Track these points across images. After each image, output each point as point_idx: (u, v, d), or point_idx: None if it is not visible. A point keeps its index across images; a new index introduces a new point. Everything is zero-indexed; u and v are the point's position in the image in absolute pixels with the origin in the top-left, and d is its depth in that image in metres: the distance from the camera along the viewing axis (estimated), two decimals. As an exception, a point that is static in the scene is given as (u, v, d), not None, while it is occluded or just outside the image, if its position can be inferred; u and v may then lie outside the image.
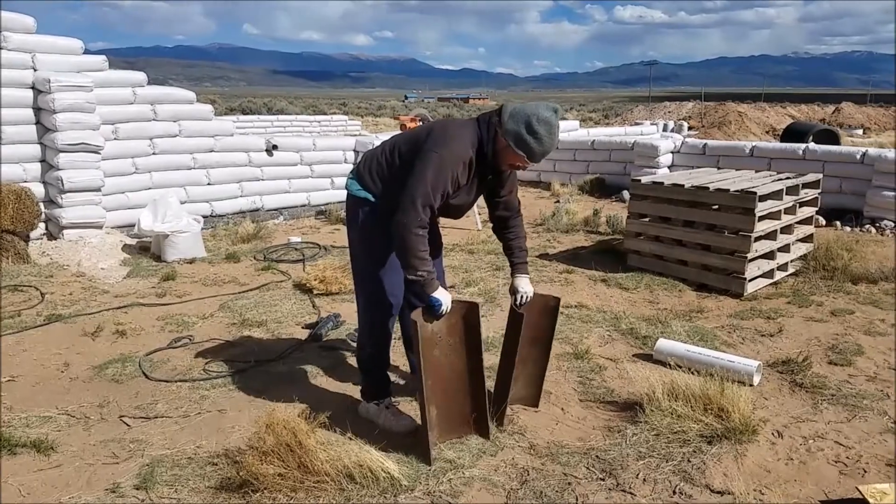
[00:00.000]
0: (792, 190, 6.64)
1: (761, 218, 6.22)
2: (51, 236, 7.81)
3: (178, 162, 9.05)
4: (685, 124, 28.01)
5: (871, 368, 4.56)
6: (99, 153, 7.82)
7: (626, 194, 10.51)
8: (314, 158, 10.61)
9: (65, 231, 7.64)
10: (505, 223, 3.81)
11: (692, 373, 3.92)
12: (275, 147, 10.09)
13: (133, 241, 8.00)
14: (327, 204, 10.44)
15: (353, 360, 4.57)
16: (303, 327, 5.44)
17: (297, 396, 3.99)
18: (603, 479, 3.25)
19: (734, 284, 6.24)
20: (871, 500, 2.92)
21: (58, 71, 7.73)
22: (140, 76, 8.82)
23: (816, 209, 7.22)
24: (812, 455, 3.47)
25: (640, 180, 7.13)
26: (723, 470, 3.29)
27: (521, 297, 3.76)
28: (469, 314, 3.51)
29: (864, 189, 9.46)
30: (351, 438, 3.31)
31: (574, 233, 8.99)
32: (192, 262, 7.45)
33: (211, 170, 9.37)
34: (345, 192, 3.71)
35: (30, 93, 7.71)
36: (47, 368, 4.62)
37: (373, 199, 3.53)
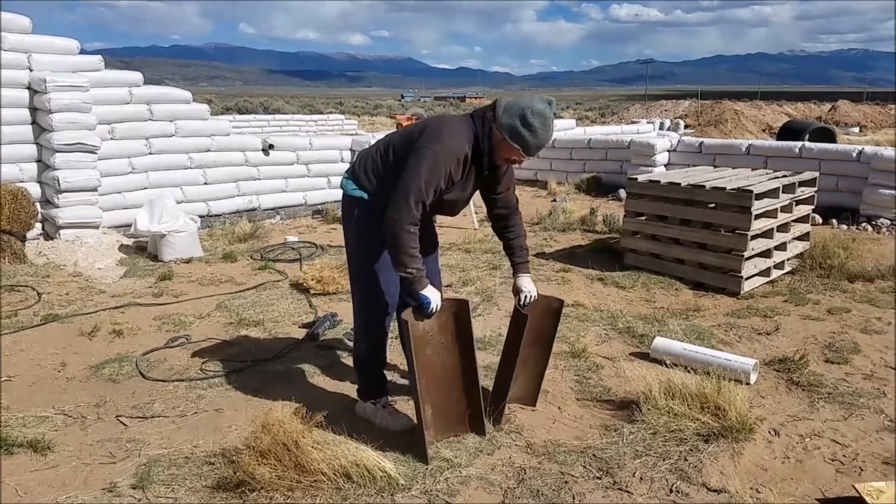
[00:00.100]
0: (788, 188, 6.65)
1: (758, 216, 6.22)
2: (47, 236, 7.80)
3: (175, 162, 9.04)
4: (681, 123, 28.04)
5: (868, 367, 4.57)
6: (95, 153, 7.81)
7: (622, 193, 10.52)
8: (311, 158, 10.62)
9: (61, 231, 7.63)
10: (504, 221, 3.80)
11: (689, 371, 3.93)
12: (271, 146, 10.09)
13: (130, 241, 8.00)
14: (324, 203, 10.45)
15: (349, 360, 4.55)
16: (300, 327, 5.44)
17: (293, 396, 3.99)
18: (600, 478, 3.25)
19: (731, 283, 6.24)
20: (867, 499, 2.93)
21: (54, 71, 7.72)
22: (136, 76, 8.80)
23: (813, 207, 7.23)
24: (809, 453, 3.48)
25: (636, 179, 7.13)
26: (719, 468, 3.29)
27: (526, 297, 3.75)
28: (460, 311, 3.51)
29: (861, 187, 9.47)
30: (348, 438, 3.31)
31: (571, 231, 8.99)
32: (188, 261, 7.44)
33: (207, 169, 9.37)
34: (341, 191, 3.71)
35: (26, 93, 7.70)
36: (44, 368, 4.61)
37: (368, 198, 3.53)
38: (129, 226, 7.95)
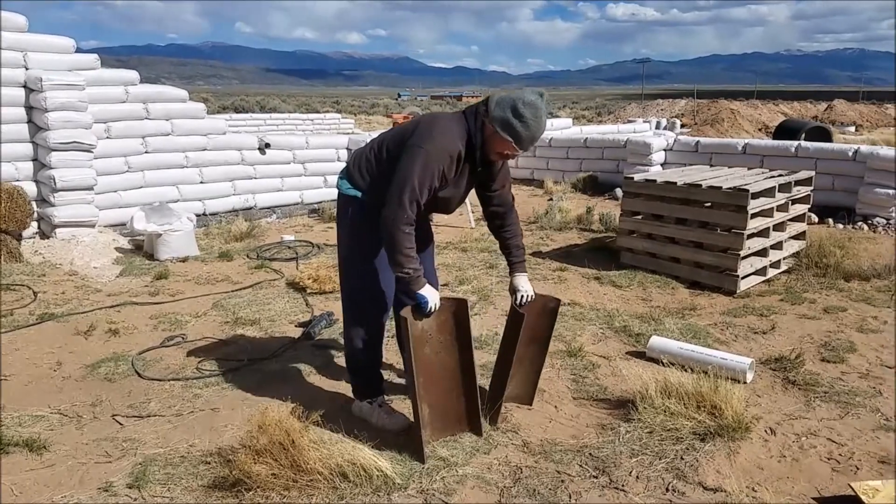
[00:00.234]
0: (784, 187, 6.65)
1: (754, 215, 6.23)
2: (43, 235, 7.78)
3: (171, 160, 9.02)
4: (678, 122, 28.07)
5: (864, 365, 4.58)
6: (91, 152, 7.80)
7: (618, 192, 10.54)
8: (307, 157, 10.62)
9: (57, 230, 7.62)
10: (500, 219, 3.79)
11: (685, 370, 3.93)
12: (267, 145, 10.08)
13: (126, 240, 7.99)
14: (320, 202, 10.45)
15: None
16: (296, 326, 5.44)
17: (290, 395, 3.98)
18: (596, 477, 3.25)
19: (727, 282, 6.25)
20: (863, 497, 2.93)
21: (50, 69, 7.71)
22: (132, 75, 8.79)
23: (809, 206, 7.24)
24: (805, 452, 3.48)
25: (632, 178, 7.14)
26: (716, 467, 3.30)
27: (523, 296, 3.75)
28: (458, 311, 3.51)
29: (857, 186, 9.49)
30: (344, 437, 3.31)
31: (567, 231, 8.99)
32: (184, 260, 7.43)
33: (203, 168, 9.35)
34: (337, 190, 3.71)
35: (22, 91, 7.69)
36: (40, 367, 4.60)
37: (361, 196, 3.52)
38: (126, 224, 7.94)
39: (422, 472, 3.25)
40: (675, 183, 6.61)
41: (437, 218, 8.42)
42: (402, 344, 4.11)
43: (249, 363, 4.66)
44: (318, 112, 39.37)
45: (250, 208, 9.79)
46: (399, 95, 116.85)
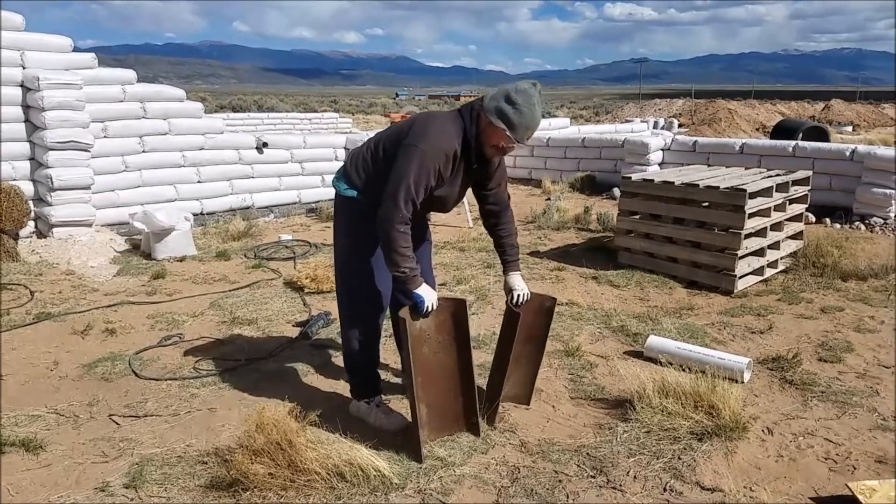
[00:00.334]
0: (782, 187, 6.66)
1: (751, 215, 6.23)
2: (40, 234, 7.77)
3: (168, 160, 9.01)
4: (675, 121, 28.11)
5: (861, 365, 4.58)
6: (88, 151, 7.79)
7: (616, 192, 10.54)
8: (305, 156, 10.61)
9: (54, 229, 7.61)
10: (495, 218, 3.78)
11: (683, 370, 3.93)
12: (265, 145, 10.07)
13: (123, 239, 7.98)
14: (318, 202, 10.44)
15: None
16: (293, 325, 5.43)
17: (287, 395, 3.98)
18: (594, 477, 3.25)
19: (724, 281, 6.25)
20: (860, 497, 2.93)
21: (47, 68, 7.70)
22: (130, 74, 8.77)
23: (806, 206, 7.24)
24: (802, 452, 3.48)
25: (630, 178, 7.14)
26: (713, 467, 3.30)
27: (519, 296, 3.74)
28: (457, 311, 3.51)
29: (854, 186, 9.49)
30: (341, 437, 3.31)
31: (565, 230, 8.99)
32: (182, 260, 7.43)
33: (201, 167, 9.34)
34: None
35: (18, 90, 7.67)
36: (36, 367, 4.59)
37: (358, 196, 3.52)
38: (123, 224, 7.93)
39: (419, 472, 3.25)
40: (673, 183, 6.61)
41: (434, 217, 8.42)
42: (399, 343, 4.11)
43: (247, 363, 4.65)
44: (315, 111, 39.37)
45: (248, 208, 9.78)
46: (397, 95, 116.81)
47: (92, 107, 7.94)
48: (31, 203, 7.51)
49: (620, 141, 12.48)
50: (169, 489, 3.14)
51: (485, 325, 5.28)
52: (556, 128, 15.65)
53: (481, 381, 4.03)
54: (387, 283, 3.62)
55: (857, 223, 9.14)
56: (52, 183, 7.49)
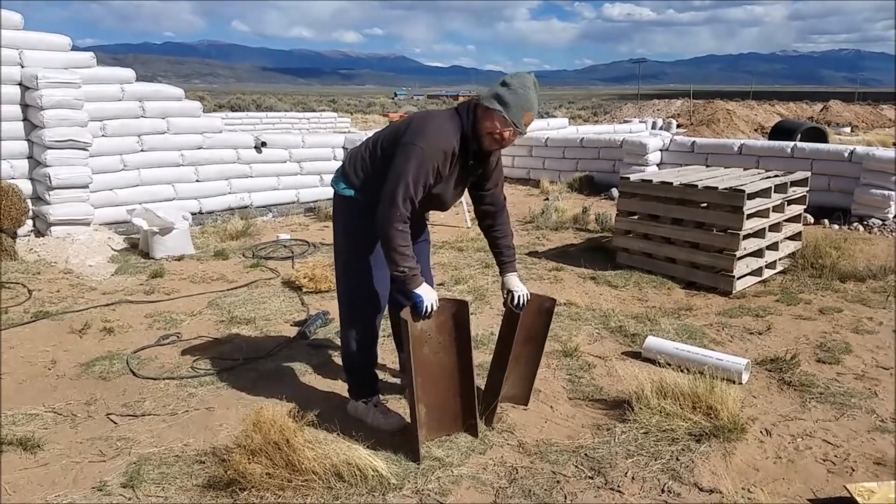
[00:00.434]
0: (780, 188, 6.66)
1: (750, 216, 6.23)
2: (38, 233, 7.76)
3: (167, 159, 9.01)
4: (674, 122, 28.12)
5: (860, 367, 4.58)
6: (87, 150, 7.78)
7: (615, 192, 10.53)
8: (303, 155, 10.61)
9: (52, 228, 7.60)
10: (491, 219, 3.77)
11: (681, 371, 3.93)
12: (263, 144, 10.07)
13: (121, 238, 7.97)
14: (316, 201, 10.43)
15: (341, 359, 4.55)
16: (291, 325, 5.43)
17: (285, 394, 3.97)
18: (592, 478, 3.25)
19: (723, 282, 6.25)
20: (858, 499, 2.93)
21: (45, 67, 7.68)
22: (128, 73, 8.76)
23: (805, 207, 7.24)
24: (800, 453, 3.48)
25: (628, 178, 7.14)
26: (711, 468, 3.30)
27: (519, 297, 3.72)
28: (459, 312, 3.50)
29: (852, 187, 9.50)
30: (339, 437, 3.30)
31: (563, 230, 8.99)
32: (180, 259, 7.42)
33: (199, 167, 9.34)
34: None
35: (17, 89, 7.66)
36: (34, 366, 4.59)
37: (356, 195, 3.52)
38: (121, 223, 7.92)
39: (417, 473, 3.24)
40: (672, 183, 6.61)
41: (432, 217, 8.43)
42: (399, 343, 4.10)
43: (244, 362, 4.65)
44: (314, 111, 39.38)
45: (246, 207, 9.77)
46: (395, 94, 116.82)
47: (90, 105, 7.94)
48: (29, 202, 7.50)
49: (619, 141, 12.49)
50: (166, 489, 3.14)
51: (483, 325, 5.27)
52: (554, 128, 15.65)
53: (479, 381, 4.02)
54: (385, 284, 3.62)
55: (855, 224, 9.15)
56: (50, 181, 7.48)
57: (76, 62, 8.11)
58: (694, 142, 11.92)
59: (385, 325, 3.93)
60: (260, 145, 10.01)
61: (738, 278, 6.24)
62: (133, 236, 7.86)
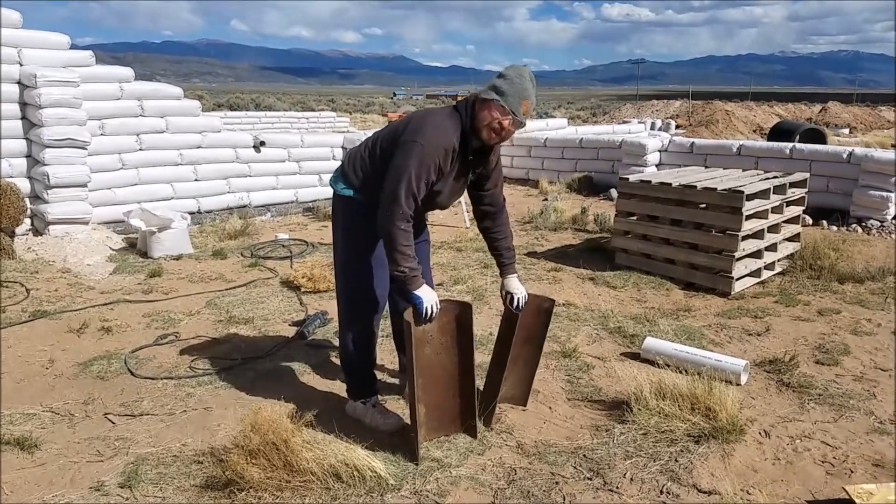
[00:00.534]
0: (779, 189, 6.66)
1: (748, 217, 6.23)
2: (36, 232, 7.75)
3: (165, 158, 9.00)
4: (672, 123, 28.12)
5: (858, 368, 4.58)
6: (85, 149, 7.77)
7: (613, 192, 10.53)
8: (302, 155, 10.60)
9: (50, 227, 7.59)
10: (490, 220, 3.75)
11: (680, 372, 3.93)
12: (262, 143, 10.06)
13: (120, 237, 7.96)
14: (315, 201, 10.42)
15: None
16: (290, 325, 5.42)
17: (283, 394, 3.97)
18: (590, 479, 3.24)
19: (721, 283, 6.25)
20: (857, 501, 2.93)
21: (44, 66, 7.68)
22: (127, 72, 8.75)
23: (803, 208, 7.24)
24: (799, 455, 3.48)
25: (627, 179, 7.13)
26: (710, 469, 3.29)
27: (518, 299, 3.71)
28: (462, 314, 3.49)
29: (851, 188, 9.51)
30: (338, 437, 3.30)
31: (562, 231, 8.99)
32: (178, 258, 7.41)
33: (198, 166, 9.33)
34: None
35: (16, 88, 7.66)
36: (32, 365, 4.58)
37: (356, 195, 3.51)
38: (119, 222, 7.91)
39: (415, 473, 3.24)
40: (670, 184, 6.61)
41: (431, 217, 8.42)
42: (399, 344, 4.09)
43: (243, 362, 4.64)
44: (313, 110, 39.37)
45: (245, 206, 9.76)
46: (394, 94, 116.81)
47: (89, 104, 7.93)
48: (27, 200, 7.50)
49: (618, 142, 12.49)
50: (164, 489, 3.14)
51: (482, 325, 5.26)
52: (553, 128, 15.65)
53: (478, 381, 4.02)
54: (385, 284, 3.61)
55: (854, 225, 9.15)
56: (48, 180, 7.47)
57: (75, 61, 8.10)
58: (693, 143, 11.92)
59: (384, 326, 3.93)
60: (259, 145, 10.01)
61: (737, 279, 6.24)
62: (131, 236, 7.86)
